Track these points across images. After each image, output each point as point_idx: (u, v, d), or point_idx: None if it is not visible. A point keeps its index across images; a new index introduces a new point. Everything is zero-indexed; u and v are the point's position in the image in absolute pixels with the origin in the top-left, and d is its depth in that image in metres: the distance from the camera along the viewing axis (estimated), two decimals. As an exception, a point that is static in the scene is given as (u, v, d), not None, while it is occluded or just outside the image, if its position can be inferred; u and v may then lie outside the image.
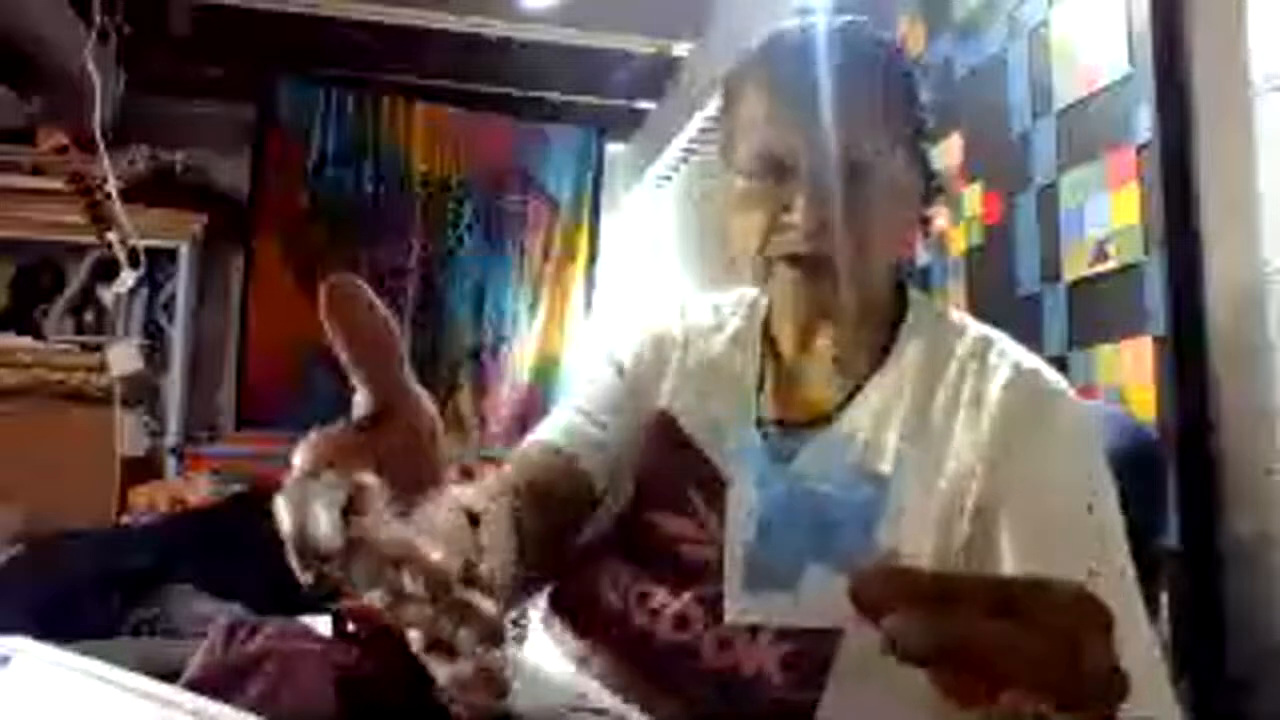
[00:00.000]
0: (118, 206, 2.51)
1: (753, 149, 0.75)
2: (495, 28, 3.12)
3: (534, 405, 3.78)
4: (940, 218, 1.71)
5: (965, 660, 0.30)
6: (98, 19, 2.40)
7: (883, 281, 0.79)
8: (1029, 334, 1.38)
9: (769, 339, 0.86)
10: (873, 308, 0.80)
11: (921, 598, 0.31)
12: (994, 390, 0.72)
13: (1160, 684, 0.64)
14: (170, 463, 3.21)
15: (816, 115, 0.72)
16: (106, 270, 3.14)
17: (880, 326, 0.81)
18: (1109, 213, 1.29)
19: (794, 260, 0.74)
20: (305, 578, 0.33)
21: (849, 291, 0.74)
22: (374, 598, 0.34)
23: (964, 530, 0.69)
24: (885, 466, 0.73)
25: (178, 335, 3.48)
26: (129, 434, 3.05)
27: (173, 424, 3.41)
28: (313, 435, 0.36)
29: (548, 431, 0.85)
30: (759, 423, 0.81)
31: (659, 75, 3.48)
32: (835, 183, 0.72)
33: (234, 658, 0.71)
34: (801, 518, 0.68)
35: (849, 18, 0.80)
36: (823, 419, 0.79)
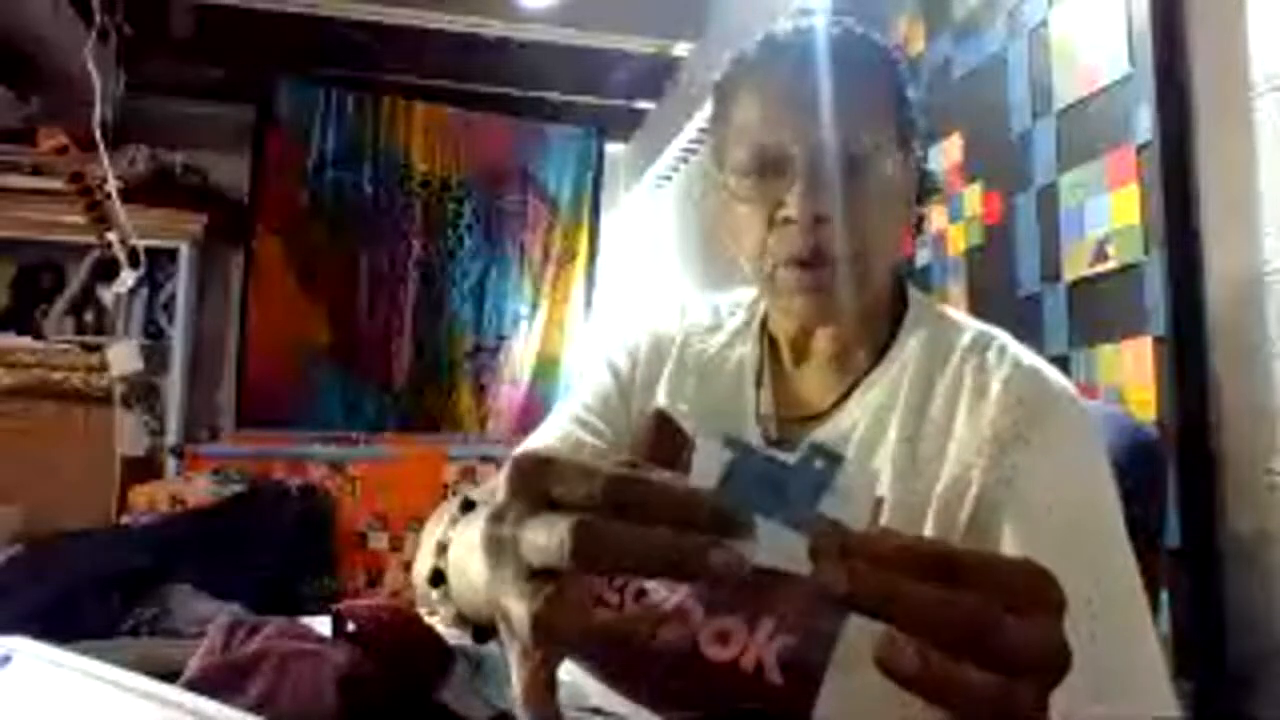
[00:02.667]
0: (118, 206, 2.51)
1: (746, 149, 0.75)
2: (495, 28, 3.12)
3: (534, 405, 3.78)
4: (936, 215, 1.71)
5: (887, 614, 0.32)
6: (98, 19, 2.39)
7: (882, 279, 0.79)
8: (1029, 334, 1.38)
9: (768, 336, 0.86)
10: (873, 305, 0.80)
11: (860, 553, 0.33)
12: (994, 387, 0.72)
13: (1159, 680, 0.64)
14: (170, 463, 3.21)
15: (809, 112, 0.72)
16: (106, 270, 3.14)
17: (880, 324, 0.81)
18: (1109, 213, 1.29)
19: (793, 260, 0.73)
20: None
21: (848, 290, 0.74)
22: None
23: (964, 524, 0.69)
24: (884, 461, 0.73)
25: (178, 335, 3.48)
26: (129, 434, 3.05)
27: (173, 424, 3.41)
28: None
29: (540, 441, 0.85)
30: (758, 418, 0.81)
31: (659, 75, 3.48)
32: (830, 176, 0.72)
33: (234, 658, 0.71)
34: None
35: (842, 19, 0.80)
36: (822, 414, 0.79)
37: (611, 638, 0.34)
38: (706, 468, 0.36)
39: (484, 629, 0.55)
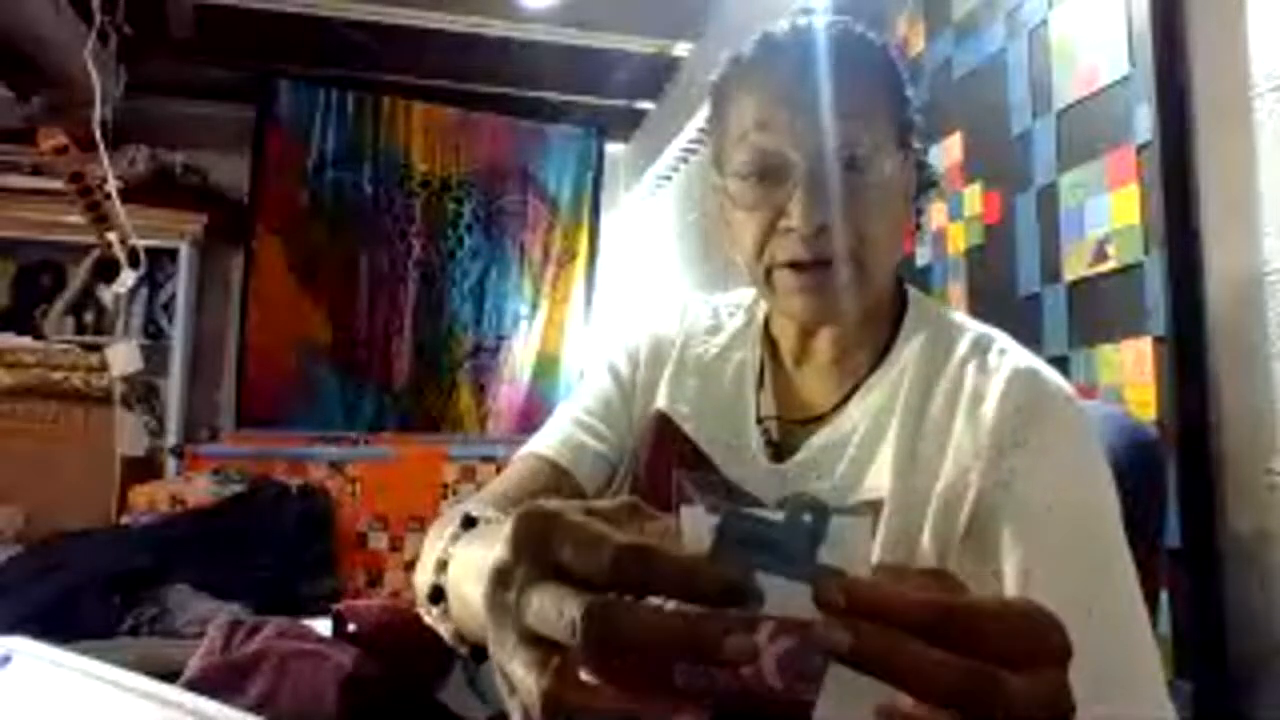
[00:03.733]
0: (118, 206, 2.51)
1: (746, 154, 0.74)
2: (495, 28, 3.12)
3: (535, 404, 3.78)
4: (936, 215, 1.71)
5: (890, 676, 0.32)
6: (98, 19, 2.39)
7: (882, 280, 0.79)
8: (1029, 334, 1.38)
9: (769, 338, 0.86)
10: (873, 307, 0.79)
11: (860, 607, 0.32)
12: (992, 390, 0.72)
13: (1155, 683, 0.64)
14: (170, 463, 3.21)
15: (808, 115, 0.71)
16: (106, 270, 3.14)
17: (880, 325, 0.81)
18: (1109, 213, 1.29)
19: (795, 266, 0.73)
20: None
21: (848, 291, 0.73)
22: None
23: (963, 526, 0.69)
24: (884, 463, 0.73)
25: (178, 335, 3.48)
26: (129, 434, 3.05)
27: (173, 424, 3.41)
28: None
29: (541, 444, 0.85)
30: (758, 420, 0.81)
31: (659, 75, 3.49)
32: (832, 183, 0.71)
33: (234, 658, 0.71)
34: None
35: (839, 18, 0.79)
36: (822, 417, 0.79)
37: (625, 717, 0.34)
38: (697, 536, 0.35)
39: (482, 649, 0.55)
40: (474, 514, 0.60)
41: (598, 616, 0.33)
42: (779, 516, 0.34)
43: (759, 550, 0.34)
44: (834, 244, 0.72)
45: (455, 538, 0.58)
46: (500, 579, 0.37)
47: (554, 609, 0.34)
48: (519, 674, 0.35)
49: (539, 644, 0.35)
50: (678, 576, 0.33)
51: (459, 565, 0.56)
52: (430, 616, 0.60)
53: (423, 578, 0.61)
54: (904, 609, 0.33)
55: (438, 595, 0.58)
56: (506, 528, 0.37)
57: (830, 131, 0.71)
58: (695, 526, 0.35)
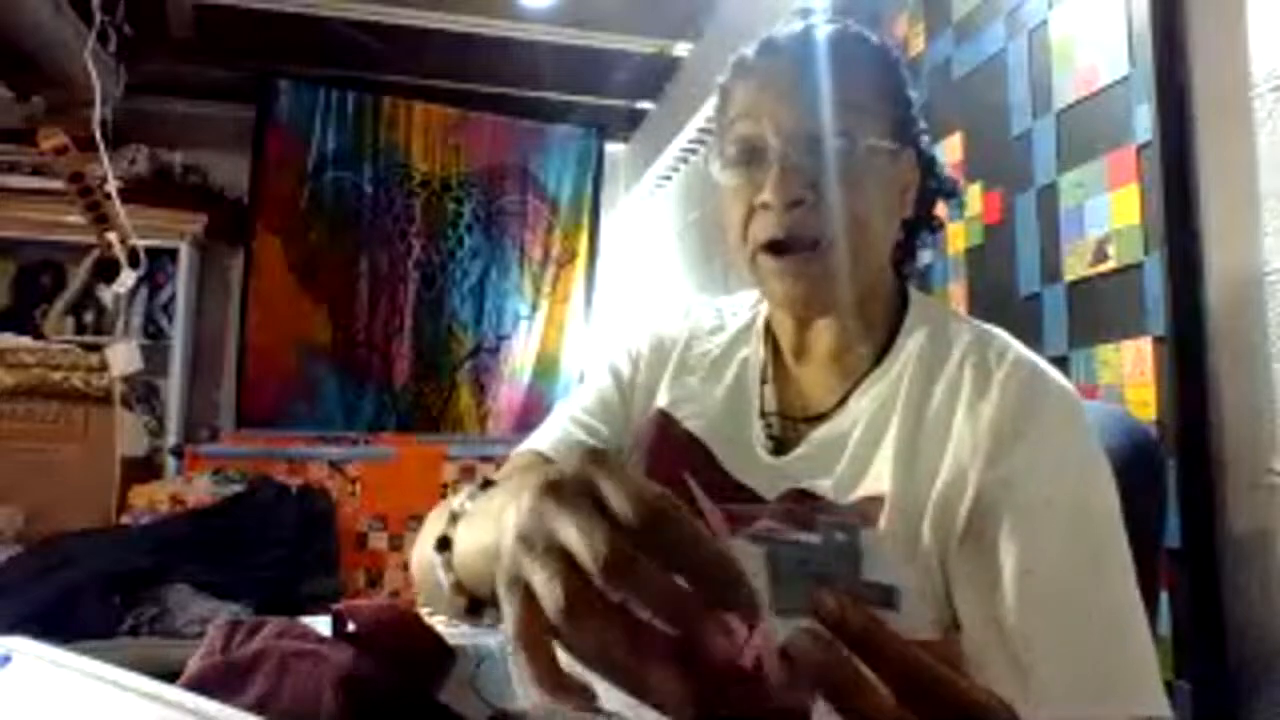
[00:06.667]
0: (118, 206, 2.51)
1: (735, 143, 0.77)
2: (495, 27, 3.12)
3: (534, 404, 3.78)
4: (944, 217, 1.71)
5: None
6: (98, 19, 2.39)
7: (876, 273, 0.80)
8: (1029, 334, 1.38)
9: (770, 335, 0.86)
10: (870, 301, 0.80)
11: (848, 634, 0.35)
12: (993, 386, 0.73)
13: (1151, 678, 0.64)
14: (170, 463, 3.21)
15: (790, 101, 0.74)
16: (106, 270, 3.14)
17: (880, 322, 0.81)
18: (1109, 213, 1.29)
19: (773, 247, 0.75)
20: None
21: (834, 281, 0.75)
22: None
23: (963, 521, 0.69)
24: (884, 459, 0.73)
25: (178, 335, 3.48)
26: (129, 434, 3.04)
27: (173, 424, 3.41)
28: None
29: (540, 442, 0.86)
30: (762, 415, 0.82)
31: (659, 75, 3.49)
32: (806, 162, 0.73)
33: (234, 658, 0.71)
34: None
35: (838, 19, 0.81)
36: (824, 414, 0.79)
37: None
38: (752, 567, 0.37)
39: (479, 601, 0.56)
40: (493, 479, 0.61)
41: (619, 556, 0.35)
42: (816, 539, 0.36)
43: (811, 578, 0.35)
44: (810, 223, 0.73)
45: (473, 496, 0.59)
46: (550, 489, 0.40)
47: (585, 535, 0.37)
48: (541, 578, 0.38)
49: (564, 557, 0.38)
50: (698, 555, 0.36)
51: (477, 510, 0.57)
52: (429, 586, 0.61)
53: (429, 533, 0.62)
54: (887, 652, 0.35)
55: (444, 544, 0.59)
56: (573, 458, 0.41)
57: (810, 115, 0.74)
58: (746, 559, 0.37)
